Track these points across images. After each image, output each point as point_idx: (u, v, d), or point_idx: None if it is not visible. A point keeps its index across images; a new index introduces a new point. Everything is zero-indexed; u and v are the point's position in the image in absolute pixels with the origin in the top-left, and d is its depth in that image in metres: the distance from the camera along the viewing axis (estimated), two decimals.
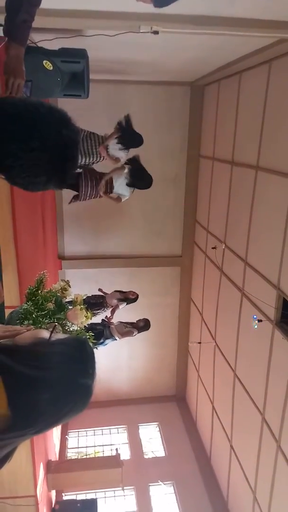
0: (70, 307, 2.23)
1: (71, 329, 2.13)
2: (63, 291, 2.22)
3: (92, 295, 5.77)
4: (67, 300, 2.32)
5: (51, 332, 1.07)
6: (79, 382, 0.98)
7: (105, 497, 6.83)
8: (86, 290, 2.39)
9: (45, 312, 2.09)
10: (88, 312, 2.18)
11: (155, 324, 8.28)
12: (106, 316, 5.92)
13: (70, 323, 2.14)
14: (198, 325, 7.62)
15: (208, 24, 3.43)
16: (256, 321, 4.60)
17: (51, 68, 3.60)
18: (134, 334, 5.96)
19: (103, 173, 5.08)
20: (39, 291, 2.20)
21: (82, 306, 2.16)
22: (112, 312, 5.89)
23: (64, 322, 2.11)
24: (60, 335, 1.11)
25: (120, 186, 5.08)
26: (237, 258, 5.58)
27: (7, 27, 1.76)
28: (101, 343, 5.65)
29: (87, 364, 1.02)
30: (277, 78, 4.44)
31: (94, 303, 5.68)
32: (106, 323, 5.78)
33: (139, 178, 5.08)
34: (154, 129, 6.93)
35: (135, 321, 6.09)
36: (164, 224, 7.65)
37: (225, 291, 6.12)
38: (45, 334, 1.07)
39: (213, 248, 6.38)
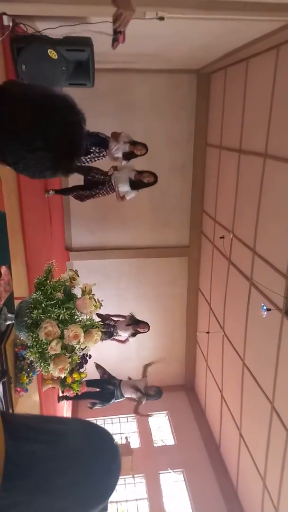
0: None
1: (80, 319, 2.14)
2: (72, 281, 2.22)
3: (105, 318, 5.93)
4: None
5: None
6: None
7: (117, 483, 6.92)
8: (94, 281, 2.38)
9: (54, 301, 2.10)
10: (97, 302, 2.19)
11: (163, 314, 8.32)
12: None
13: (80, 313, 2.15)
14: (206, 315, 7.62)
15: (214, 8, 3.38)
16: (265, 310, 4.58)
17: (56, 57, 3.57)
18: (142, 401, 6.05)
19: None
20: (48, 281, 2.21)
21: (91, 295, 2.17)
22: (120, 341, 6.11)
23: (73, 311, 2.12)
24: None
25: (123, 186, 5.20)
26: (245, 247, 5.55)
27: None
28: (109, 403, 5.94)
29: None
30: (285, 64, 4.36)
31: (105, 332, 5.81)
32: (117, 383, 5.97)
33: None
34: (160, 118, 6.88)
35: (148, 386, 6.12)
36: (171, 214, 7.62)
37: (233, 280, 6.10)
38: None
39: (221, 237, 6.35)
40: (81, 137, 1.08)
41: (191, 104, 6.95)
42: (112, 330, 5.97)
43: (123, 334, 6.04)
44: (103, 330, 2.32)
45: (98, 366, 6.18)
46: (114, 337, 6.10)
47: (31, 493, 0.87)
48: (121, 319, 6.17)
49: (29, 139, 1.00)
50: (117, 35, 2.77)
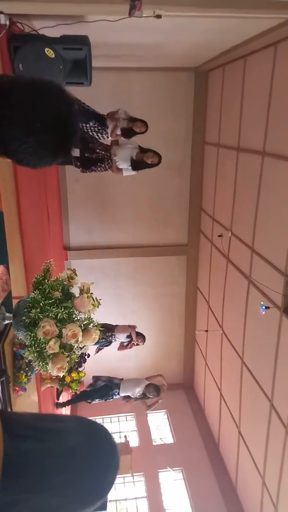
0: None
1: (78, 318, 2.14)
2: (70, 280, 2.22)
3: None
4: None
5: None
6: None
7: (114, 483, 6.94)
8: (92, 280, 2.38)
9: (52, 300, 2.10)
10: (95, 300, 2.19)
11: (162, 313, 8.32)
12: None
13: (78, 312, 2.14)
14: (205, 314, 7.63)
15: (211, 6, 3.37)
16: (264, 308, 4.58)
17: (53, 56, 3.56)
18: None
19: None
20: (46, 280, 2.20)
21: (89, 294, 2.17)
22: (121, 348, 6.10)
23: (71, 310, 2.12)
24: None
25: (123, 161, 4.98)
26: (243, 245, 5.55)
27: None
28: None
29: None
30: (283, 61, 4.35)
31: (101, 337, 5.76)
32: (116, 392, 5.94)
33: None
34: (158, 116, 6.86)
35: (147, 387, 6.07)
36: (169, 213, 7.61)
37: (232, 279, 6.10)
38: None
39: (219, 236, 6.35)
40: (75, 117, 1.12)
41: (189, 102, 6.94)
42: (111, 338, 5.95)
43: (121, 338, 6.03)
44: (101, 329, 2.32)
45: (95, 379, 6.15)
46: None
47: (28, 491, 0.87)
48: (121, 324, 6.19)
49: (27, 122, 1.02)
50: (135, 2, 2.79)
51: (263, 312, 4.59)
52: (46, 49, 3.52)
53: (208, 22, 3.91)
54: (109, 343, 5.94)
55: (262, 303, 4.72)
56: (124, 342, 6.03)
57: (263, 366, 5.06)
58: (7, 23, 3.36)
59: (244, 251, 5.50)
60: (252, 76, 5.16)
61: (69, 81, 3.87)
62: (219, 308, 6.73)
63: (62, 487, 0.91)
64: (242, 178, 5.61)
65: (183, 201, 7.61)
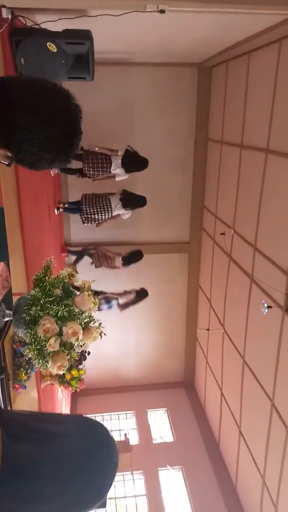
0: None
1: (79, 316, 2.11)
2: (71, 277, 2.19)
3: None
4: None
5: None
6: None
7: (114, 481, 6.93)
8: (93, 278, 2.36)
9: (53, 298, 2.07)
10: (95, 299, 2.16)
11: (163, 311, 8.29)
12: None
13: (78, 309, 2.12)
14: (206, 312, 7.60)
15: (216, 1, 3.33)
16: (266, 307, 4.55)
17: (55, 50, 3.52)
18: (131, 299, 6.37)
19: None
20: (47, 277, 2.18)
21: (89, 292, 2.14)
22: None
23: (72, 308, 2.09)
24: None
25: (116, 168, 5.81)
26: (246, 243, 5.51)
27: None
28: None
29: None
30: None
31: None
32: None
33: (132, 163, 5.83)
34: (160, 112, 6.83)
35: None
36: (171, 210, 7.57)
37: (234, 277, 6.07)
38: None
39: (221, 234, 6.31)
40: (80, 120, 1.13)
41: (192, 98, 6.89)
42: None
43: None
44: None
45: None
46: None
47: (21, 499, 0.84)
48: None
49: (38, 111, 1.03)
50: None
51: (266, 311, 4.56)
52: (48, 43, 3.47)
53: (211, 18, 3.87)
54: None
55: (264, 302, 4.69)
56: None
57: (265, 365, 5.04)
58: (9, 17, 3.33)
59: (247, 249, 5.47)
60: (256, 73, 5.11)
61: (71, 75, 3.83)
62: (221, 307, 6.70)
63: (55, 495, 0.89)
64: (245, 175, 5.58)
65: (185, 199, 7.57)
